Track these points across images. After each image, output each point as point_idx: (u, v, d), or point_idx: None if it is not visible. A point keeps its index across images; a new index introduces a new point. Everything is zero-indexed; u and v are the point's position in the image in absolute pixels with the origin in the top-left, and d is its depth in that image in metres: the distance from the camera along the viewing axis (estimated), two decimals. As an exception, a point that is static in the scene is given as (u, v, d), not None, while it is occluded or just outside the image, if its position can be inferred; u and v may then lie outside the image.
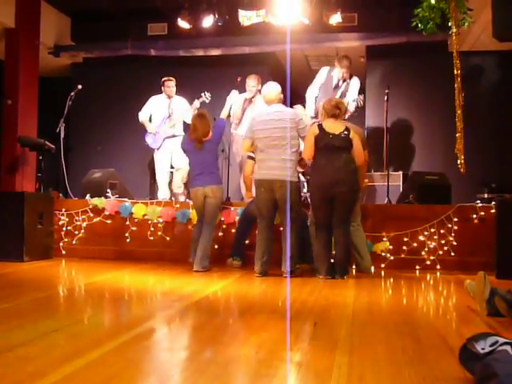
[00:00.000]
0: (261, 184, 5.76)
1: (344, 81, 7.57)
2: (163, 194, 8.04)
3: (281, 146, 5.66)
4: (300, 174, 6.37)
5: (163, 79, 8.16)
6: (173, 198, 7.76)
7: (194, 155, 6.28)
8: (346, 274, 5.64)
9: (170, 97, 8.17)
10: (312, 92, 7.68)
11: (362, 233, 6.07)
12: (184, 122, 8.12)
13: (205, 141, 6.14)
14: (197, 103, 7.84)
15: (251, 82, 7.65)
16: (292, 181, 5.66)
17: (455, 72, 6.89)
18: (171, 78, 8.15)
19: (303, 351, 2.93)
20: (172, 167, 8.19)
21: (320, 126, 5.65)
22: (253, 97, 7.70)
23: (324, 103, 5.85)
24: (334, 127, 5.63)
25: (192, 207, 6.83)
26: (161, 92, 8.23)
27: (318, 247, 5.69)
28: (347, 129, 5.65)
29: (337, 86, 7.55)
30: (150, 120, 8.20)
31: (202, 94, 7.84)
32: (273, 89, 5.98)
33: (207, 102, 7.84)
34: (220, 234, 6.72)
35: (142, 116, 8.19)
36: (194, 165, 6.33)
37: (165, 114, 8.11)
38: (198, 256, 6.09)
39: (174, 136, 8.10)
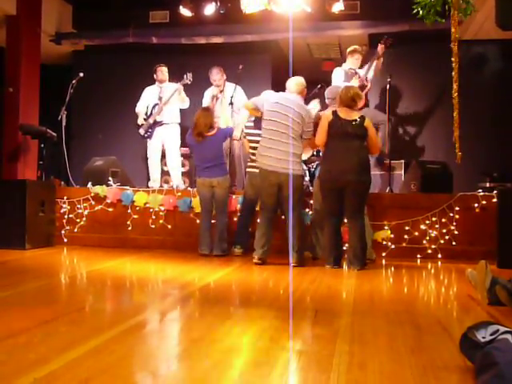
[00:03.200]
0: (267, 176, 5.74)
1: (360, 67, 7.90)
2: (153, 181, 7.95)
3: (287, 136, 5.63)
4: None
5: (157, 66, 8.13)
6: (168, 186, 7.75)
7: (197, 149, 6.43)
8: (362, 266, 5.53)
9: (161, 82, 8.10)
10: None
11: (366, 222, 6.00)
12: (179, 110, 8.15)
13: (207, 136, 6.28)
14: (180, 86, 7.84)
15: (214, 75, 7.83)
16: (298, 174, 5.68)
17: (453, 59, 6.86)
18: (162, 64, 8.13)
19: (304, 339, 2.94)
20: (165, 163, 8.18)
21: (334, 113, 5.62)
22: (221, 91, 7.87)
23: (341, 92, 5.74)
24: (348, 114, 5.59)
25: (193, 195, 6.84)
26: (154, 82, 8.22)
27: (326, 236, 5.67)
28: (362, 116, 5.61)
29: (355, 73, 7.66)
30: (147, 111, 8.10)
31: (184, 76, 7.79)
32: (293, 80, 5.95)
33: (189, 83, 7.82)
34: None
35: (138, 107, 8.17)
36: (198, 159, 6.47)
37: (154, 102, 8.06)
38: (216, 241, 6.29)
39: (162, 124, 7.99)
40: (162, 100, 8.01)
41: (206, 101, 7.87)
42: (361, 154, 5.53)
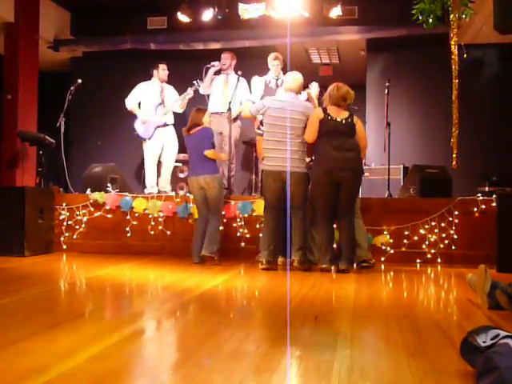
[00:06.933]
0: (270, 174, 5.76)
1: None
2: (150, 187, 7.78)
3: (290, 135, 5.66)
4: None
5: (159, 63, 7.98)
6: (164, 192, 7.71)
7: (188, 145, 6.38)
8: (351, 265, 5.62)
9: (162, 81, 7.98)
10: None
11: (360, 223, 6.02)
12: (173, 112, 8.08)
13: (193, 132, 6.27)
14: (190, 91, 7.78)
15: (224, 55, 7.96)
16: (302, 172, 5.71)
17: (453, 64, 6.87)
18: (164, 62, 8.02)
19: (304, 345, 2.93)
20: (159, 161, 7.98)
21: (325, 110, 5.64)
22: (223, 69, 7.92)
23: (331, 90, 5.72)
24: (339, 113, 5.62)
25: (192, 201, 6.83)
26: (149, 78, 8.06)
27: (322, 235, 5.67)
28: (351, 115, 5.65)
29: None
30: (139, 108, 7.95)
31: (195, 82, 7.74)
32: (294, 78, 5.95)
33: (198, 88, 7.80)
34: (221, 228, 6.66)
35: (131, 103, 7.91)
36: (189, 155, 6.46)
37: (157, 101, 7.88)
38: (205, 241, 6.14)
39: (165, 125, 7.89)
40: (165, 100, 7.92)
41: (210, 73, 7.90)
42: (354, 150, 5.58)
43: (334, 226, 5.80)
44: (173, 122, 8.01)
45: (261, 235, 5.94)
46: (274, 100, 6.02)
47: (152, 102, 7.89)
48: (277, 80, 7.59)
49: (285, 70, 7.68)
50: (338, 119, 5.59)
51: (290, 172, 5.61)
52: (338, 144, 5.52)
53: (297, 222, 5.73)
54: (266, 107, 5.86)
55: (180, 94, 7.96)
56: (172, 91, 8.07)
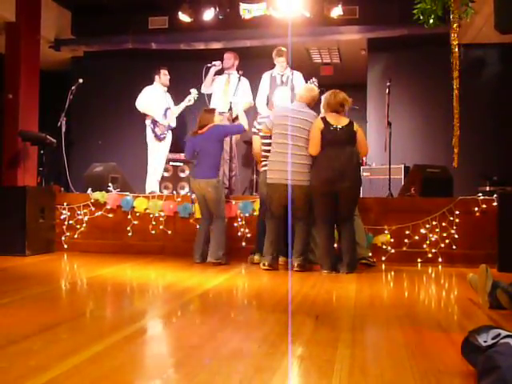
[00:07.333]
0: (272, 186, 5.74)
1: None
2: (152, 187, 7.93)
3: (296, 146, 5.61)
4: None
5: (160, 68, 8.10)
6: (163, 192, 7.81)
7: (196, 145, 6.32)
8: (353, 270, 5.56)
9: (164, 86, 8.15)
10: None
11: (358, 222, 6.00)
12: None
13: (204, 131, 6.25)
14: (191, 98, 7.95)
15: (227, 55, 7.97)
16: (305, 185, 5.64)
17: (453, 63, 6.88)
18: (165, 67, 8.16)
19: (305, 344, 2.94)
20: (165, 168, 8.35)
21: (324, 120, 5.61)
22: (225, 69, 7.91)
23: (329, 97, 5.70)
24: (338, 120, 5.58)
25: (193, 201, 6.83)
26: (150, 79, 8.19)
27: (322, 242, 5.66)
28: (351, 122, 5.60)
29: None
30: (161, 112, 8.08)
31: (192, 91, 7.94)
32: (308, 89, 5.93)
33: (195, 99, 7.97)
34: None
35: (144, 105, 7.99)
36: (197, 154, 6.40)
37: (165, 106, 8.04)
38: (211, 247, 6.14)
39: (172, 128, 8.16)
40: (170, 105, 8.12)
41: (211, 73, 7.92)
42: (353, 160, 5.54)
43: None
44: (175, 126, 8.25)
45: (265, 240, 5.87)
46: (279, 108, 6.00)
47: (161, 105, 8.04)
48: (282, 76, 7.57)
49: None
50: (339, 126, 5.55)
51: (294, 186, 5.58)
52: (338, 154, 5.47)
53: (299, 230, 5.73)
54: (272, 116, 5.89)
55: (175, 102, 8.16)
56: (170, 98, 8.26)
